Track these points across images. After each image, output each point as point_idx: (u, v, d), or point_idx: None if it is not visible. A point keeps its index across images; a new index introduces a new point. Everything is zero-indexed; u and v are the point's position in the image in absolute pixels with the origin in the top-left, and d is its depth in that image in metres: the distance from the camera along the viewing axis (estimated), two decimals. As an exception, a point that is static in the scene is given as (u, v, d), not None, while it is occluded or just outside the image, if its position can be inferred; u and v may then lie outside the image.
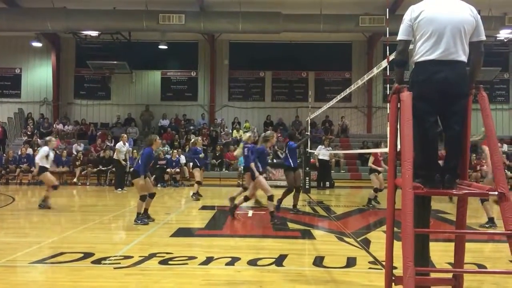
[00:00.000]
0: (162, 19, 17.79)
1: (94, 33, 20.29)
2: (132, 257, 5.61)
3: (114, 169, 15.94)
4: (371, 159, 11.39)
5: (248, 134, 11.36)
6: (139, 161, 8.34)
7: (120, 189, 14.54)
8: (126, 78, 23.41)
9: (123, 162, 14.97)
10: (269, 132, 10.06)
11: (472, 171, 15.56)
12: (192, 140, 13.49)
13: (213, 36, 22.70)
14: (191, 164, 14.12)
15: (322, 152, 16.59)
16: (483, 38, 3.65)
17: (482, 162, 17.43)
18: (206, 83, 23.68)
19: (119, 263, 5.35)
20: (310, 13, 18.23)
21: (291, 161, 9.96)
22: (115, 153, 15.22)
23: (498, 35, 20.04)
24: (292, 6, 18.26)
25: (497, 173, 3.46)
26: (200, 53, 23.77)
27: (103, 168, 17.50)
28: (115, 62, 21.45)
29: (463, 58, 3.58)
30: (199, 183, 12.70)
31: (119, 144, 15.27)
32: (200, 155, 12.94)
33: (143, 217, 8.22)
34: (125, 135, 16.07)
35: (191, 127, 22.29)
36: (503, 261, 5.56)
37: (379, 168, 11.13)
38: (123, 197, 13.18)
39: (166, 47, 21.84)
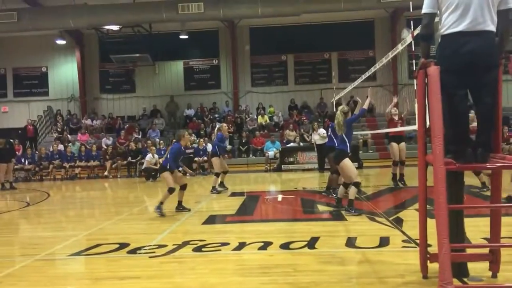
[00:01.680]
0: (181, 9, 17.83)
1: (115, 27, 20.49)
2: (166, 245, 5.70)
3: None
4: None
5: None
6: (168, 156, 8.37)
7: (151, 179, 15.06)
8: (150, 70, 23.65)
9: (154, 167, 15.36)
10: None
11: (505, 143, 15.18)
12: (218, 127, 12.80)
13: (233, 23, 22.62)
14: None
15: (316, 138, 15.91)
16: (512, 5, 3.53)
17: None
18: (229, 70, 23.69)
19: (154, 252, 5.45)
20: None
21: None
22: (145, 164, 15.73)
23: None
24: (311, -14, 18.00)
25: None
26: (220, 41, 23.75)
27: (132, 160, 17.80)
28: (137, 54, 21.67)
29: (492, 27, 3.46)
30: (217, 174, 11.21)
31: (149, 156, 15.71)
32: (227, 146, 12.16)
33: (160, 208, 8.00)
34: (154, 148, 16.44)
35: (216, 115, 22.39)
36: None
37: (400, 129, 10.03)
38: (154, 188, 13.40)
39: (186, 36, 21.94)
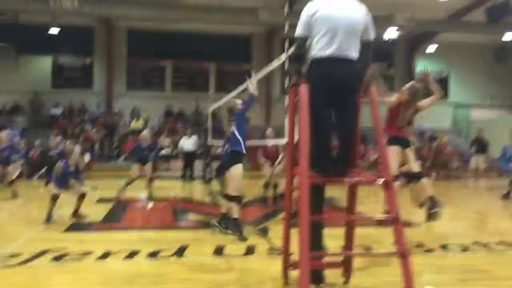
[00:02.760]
0: (53, 1, 16.63)
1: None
2: (21, 254, 5.25)
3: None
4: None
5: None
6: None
7: None
8: (12, 63, 21.54)
9: None
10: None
11: (362, 160, 16.70)
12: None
13: (111, 22, 21.70)
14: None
15: (186, 143, 16.02)
16: (373, 36, 3.93)
17: (370, 152, 18.80)
18: (103, 70, 22.61)
19: (7, 261, 4.98)
20: (210, 4, 18.19)
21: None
22: None
23: (385, 34, 21.60)
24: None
25: (383, 162, 3.77)
26: (96, 39, 22.59)
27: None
28: (-2, 44, 19.70)
29: (355, 55, 3.82)
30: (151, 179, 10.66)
31: None
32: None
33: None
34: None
35: (86, 116, 21.20)
36: (387, 243, 6.05)
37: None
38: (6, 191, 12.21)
39: (58, 30, 20.49)
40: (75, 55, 22.54)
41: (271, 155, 9.93)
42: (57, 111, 21.24)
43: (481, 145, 15.63)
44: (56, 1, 16.65)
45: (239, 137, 6.38)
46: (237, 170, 6.37)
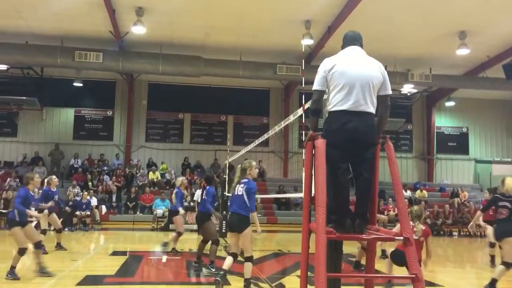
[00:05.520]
0: (78, 56, 17.26)
1: (2, 67, 19.25)
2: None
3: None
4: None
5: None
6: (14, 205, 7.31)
7: None
8: (36, 115, 22.17)
9: None
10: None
11: (381, 215, 16.38)
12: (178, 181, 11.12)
13: (132, 76, 22.37)
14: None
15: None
16: (390, 92, 3.94)
17: (389, 207, 18.48)
18: (123, 123, 23.05)
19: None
20: (230, 59, 18.68)
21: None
22: None
23: (402, 89, 21.79)
24: (213, 51, 18.60)
25: (402, 219, 3.66)
26: (117, 92, 23.20)
27: (3, 211, 16.09)
28: (24, 97, 20.30)
29: (372, 109, 3.81)
30: (179, 233, 10.39)
31: None
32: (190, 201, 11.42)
33: (13, 274, 6.92)
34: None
35: (105, 168, 21.44)
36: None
37: None
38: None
39: (81, 84, 21.16)
40: (96, 108, 23.11)
41: None
42: (77, 162, 21.56)
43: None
44: (81, 57, 17.26)
45: (246, 199, 6.37)
46: (250, 232, 6.41)
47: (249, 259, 6.38)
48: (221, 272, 6.33)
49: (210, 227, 8.47)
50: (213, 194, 8.69)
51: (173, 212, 10.54)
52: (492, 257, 9.68)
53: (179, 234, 10.36)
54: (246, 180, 6.51)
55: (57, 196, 10.70)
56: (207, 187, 8.89)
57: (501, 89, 20.66)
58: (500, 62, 18.44)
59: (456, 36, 16.63)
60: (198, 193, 15.99)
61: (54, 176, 10.90)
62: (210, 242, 8.29)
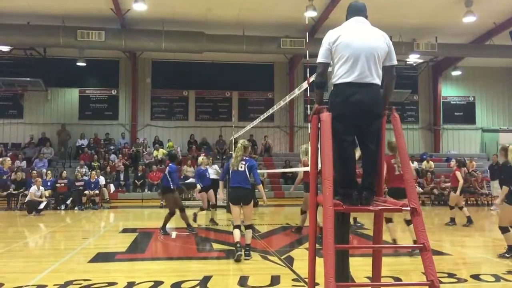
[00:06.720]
0: (80, 36, 17.16)
1: (5, 48, 19.19)
2: (46, 286, 5.25)
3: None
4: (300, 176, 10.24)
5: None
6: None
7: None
8: (41, 96, 22.21)
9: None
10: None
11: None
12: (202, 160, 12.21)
13: (135, 54, 22.26)
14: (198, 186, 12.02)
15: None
16: (395, 62, 3.88)
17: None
18: (128, 102, 23.05)
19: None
20: (233, 34, 18.50)
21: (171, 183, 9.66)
22: (28, 196, 14.61)
23: (408, 60, 21.54)
24: (215, 26, 18.41)
25: (409, 190, 3.66)
26: (121, 71, 23.13)
27: (14, 192, 16.27)
28: (28, 79, 20.31)
29: (377, 81, 3.77)
30: (213, 206, 11.76)
31: (33, 188, 14.72)
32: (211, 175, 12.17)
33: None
34: (39, 179, 15.39)
35: (112, 147, 21.55)
36: (417, 273, 5.86)
37: None
38: (36, 222, 12.38)
39: (84, 64, 21.09)
40: (101, 87, 23.08)
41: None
42: (83, 142, 21.68)
43: (498, 171, 15.19)
44: (83, 36, 17.16)
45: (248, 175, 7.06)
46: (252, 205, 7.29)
47: (250, 226, 7.18)
48: (238, 245, 6.81)
49: (170, 199, 9.82)
50: (170, 171, 9.78)
51: (165, 188, 10.32)
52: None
53: (202, 209, 11.63)
54: (246, 158, 7.20)
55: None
56: (170, 164, 10.14)
57: (509, 56, 20.38)
58: (507, 29, 18.16)
59: (462, 3, 16.35)
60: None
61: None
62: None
